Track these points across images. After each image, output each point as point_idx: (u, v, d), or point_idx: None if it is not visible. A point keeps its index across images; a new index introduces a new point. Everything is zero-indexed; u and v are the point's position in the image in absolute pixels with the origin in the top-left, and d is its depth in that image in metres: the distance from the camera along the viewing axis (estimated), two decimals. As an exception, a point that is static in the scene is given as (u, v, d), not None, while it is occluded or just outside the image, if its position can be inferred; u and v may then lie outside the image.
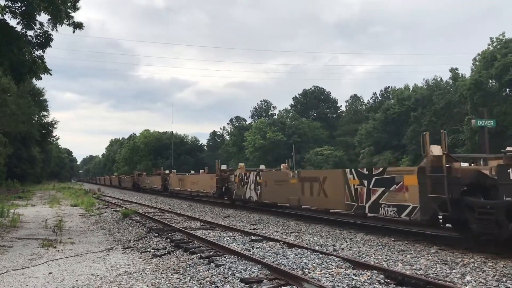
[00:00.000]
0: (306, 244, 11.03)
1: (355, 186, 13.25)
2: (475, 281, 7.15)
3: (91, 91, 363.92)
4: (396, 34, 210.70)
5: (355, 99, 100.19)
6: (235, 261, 8.81)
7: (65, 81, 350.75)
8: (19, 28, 14.67)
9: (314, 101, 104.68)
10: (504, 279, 7.25)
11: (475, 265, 8.36)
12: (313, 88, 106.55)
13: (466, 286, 6.91)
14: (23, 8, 14.50)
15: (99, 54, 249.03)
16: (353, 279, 7.22)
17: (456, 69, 64.81)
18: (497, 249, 9.55)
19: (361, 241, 11.58)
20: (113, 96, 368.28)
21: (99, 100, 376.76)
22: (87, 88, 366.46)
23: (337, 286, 6.83)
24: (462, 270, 7.96)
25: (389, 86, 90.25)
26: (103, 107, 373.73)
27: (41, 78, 16.22)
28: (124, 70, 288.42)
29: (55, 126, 78.88)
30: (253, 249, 10.31)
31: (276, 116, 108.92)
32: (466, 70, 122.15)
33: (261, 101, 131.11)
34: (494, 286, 6.85)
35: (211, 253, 9.87)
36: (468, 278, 7.36)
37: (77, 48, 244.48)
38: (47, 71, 15.96)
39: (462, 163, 10.64)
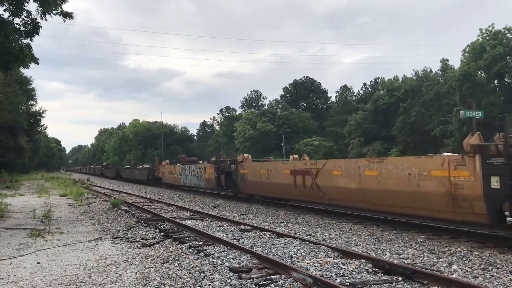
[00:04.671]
0: (295, 233, 11.09)
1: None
2: (461, 270, 7.25)
3: (77, 80, 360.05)
4: (383, 24, 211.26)
5: (345, 90, 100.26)
6: (224, 251, 8.83)
7: (51, 70, 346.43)
8: (6, 15, 14.44)
9: (304, 91, 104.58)
10: (489, 268, 7.36)
11: (462, 254, 8.47)
12: (303, 79, 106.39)
13: (453, 274, 7.00)
14: None
15: (85, 43, 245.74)
16: (341, 268, 7.29)
17: (447, 60, 65.02)
18: (483, 238, 9.70)
19: (350, 231, 11.67)
20: (100, 86, 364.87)
21: (86, 89, 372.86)
22: (74, 77, 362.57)
23: (326, 275, 6.88)
24: (449, 259, 8.07)
25: (378, 77, 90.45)
26: (90, 96, 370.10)
27: (28, 67, 16.06)
28: (111, 59, 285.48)
29: (43, 115, 78.22)
30: (242, 238, 10.34)
31: (266, 107, 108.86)
32: (456, 61, 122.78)
33: (251, 91, 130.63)
34: (480, 275, 6.95)
35: (200, 243, 9.88)
36: (454, 267, 7.46)
37: (63, 37, 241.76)
38: (34, 60, 15.75)
39: None
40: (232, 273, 7.14)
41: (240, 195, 21.64)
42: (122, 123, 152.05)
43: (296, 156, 19.96)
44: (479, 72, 52.77)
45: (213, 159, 25.30)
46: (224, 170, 22.63)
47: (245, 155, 21.72)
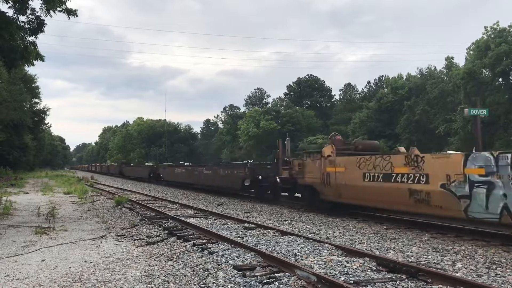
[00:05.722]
0: (299, 231, 11.09)
1: None
2: (465, 268, 7.24)
3: (81, 79, 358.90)
4: (387, 22, 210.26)
5: (349, 88, 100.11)
6: (228, 249, 8.84)
7: (55, 68, 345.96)
8: (10, 13, 14.49)
9: (308, 89, 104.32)
10: (494, 266, 7.34)
11: (466, 252, 8.45)
12: (307, 77, 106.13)
13: (457, 273, 6.99)
14: None
15: (89, 41, 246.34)
16: (345, 266, 7.28)
17: (452, 57, 64.68)
18: (488, 237, 9.67)
19: (354, 229, 11.66)
20: (104, 84, 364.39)
21: (90, 87, 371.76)
22: (78, 76, 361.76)
23: (330, 273, 6.88)
24: (453, 257, 8.05)
25: (383, 75, 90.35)
26: (94, 95, 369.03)
27: (33, 65, 16.08)
28: (115, 57, 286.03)
29: (47, 113, 78.33)
30: (246, 236, 10.35)
31: (270, 105, 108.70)
32: (461, 59, 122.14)
33: (255, 89, 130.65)
34: (484, 273, 6.93)
35: (204, 241, 9.90)
36: (459, 265, 7.44)
37: (67, 34, 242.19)
38: (40, 57, 15.79)
39: None
40: (236, 271, 7.15)
41: None
42: (126, 121, 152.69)
43: None
44: (484, 70, 52.54)
45: None
46: None
47: None
